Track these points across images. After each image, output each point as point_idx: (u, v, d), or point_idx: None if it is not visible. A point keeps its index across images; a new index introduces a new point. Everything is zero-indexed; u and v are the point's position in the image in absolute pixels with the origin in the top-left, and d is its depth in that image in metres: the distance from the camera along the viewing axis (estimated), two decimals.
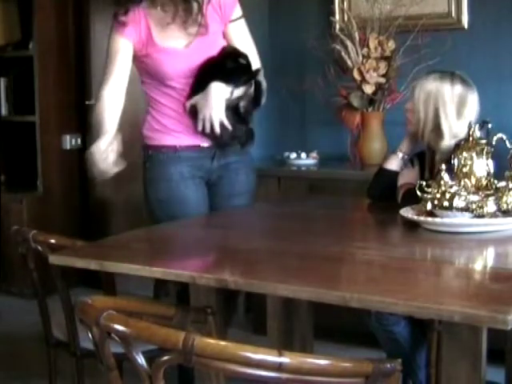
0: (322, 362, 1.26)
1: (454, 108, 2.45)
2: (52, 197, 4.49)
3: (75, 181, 4.64)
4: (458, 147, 2.23)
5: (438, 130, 2.45)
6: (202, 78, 2.53)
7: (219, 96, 2.50)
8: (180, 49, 2.57)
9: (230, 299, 2.48)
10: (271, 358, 1.23)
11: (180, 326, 1.39)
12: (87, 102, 4.57)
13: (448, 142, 2.42)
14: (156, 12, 2.56)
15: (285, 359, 1.22)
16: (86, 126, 4.62)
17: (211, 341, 1.26)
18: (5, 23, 4.55)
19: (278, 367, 1.22)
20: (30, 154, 4.45)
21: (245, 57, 2.58)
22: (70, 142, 4.56)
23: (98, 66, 4.55)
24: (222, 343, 1.26)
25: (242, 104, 2.58)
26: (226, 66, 2.54)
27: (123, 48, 2.58)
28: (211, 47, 2.59)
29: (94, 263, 1.95)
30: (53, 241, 2.23)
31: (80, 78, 4.60)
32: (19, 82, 4.54)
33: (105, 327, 1.30)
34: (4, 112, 4.58)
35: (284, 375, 1.22)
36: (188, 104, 2.55)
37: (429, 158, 2.66)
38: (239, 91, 2.58)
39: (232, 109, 2.54)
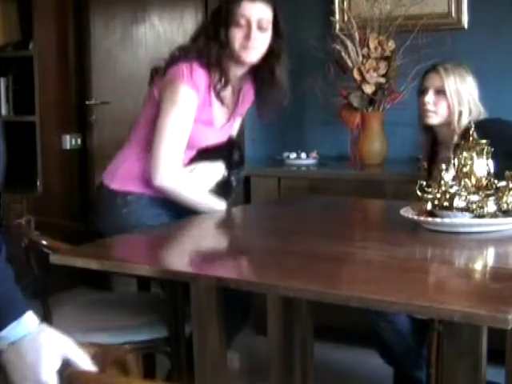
0: None
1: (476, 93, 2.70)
2: (52, 197, 4.48)
3: (75, 181, 4.63)
4: (458, 147, 2.23)
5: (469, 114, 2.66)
6: (205, 155, 2.54)
7: (216, 175, 2.55)
8: (217, 127, 2.55)
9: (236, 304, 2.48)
10: None
11: (102, 365, 1.39)
12: (87, 102, 4.58)
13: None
14: (215, 79, 2.47)
15: None
16: (85, 126, 4.62)
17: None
18: (5, 23, 4.55)
19: None
20: (29, 154, 4.45)
21: (242, 149, 2.72)
22: (70, 141, 4.56)
23: (98, 65, 4.56)
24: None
25: (232, 178, 2.64)
26: (233, 157, 2.62)
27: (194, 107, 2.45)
28: (230, 132, 2.64)
29: (94, 263, 1.95)
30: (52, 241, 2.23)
31: (80, 78, 4.60)
32: (19, 82, 4.53)
33: None
34: (4, 112, 4.57)
35: None
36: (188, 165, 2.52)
37: (432, 151, 2.73)
38: (236, 176, 2.65)
39: (223, 182, 2.60)
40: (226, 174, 2.58)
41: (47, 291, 2.35)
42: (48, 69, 4.44)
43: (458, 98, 2.65)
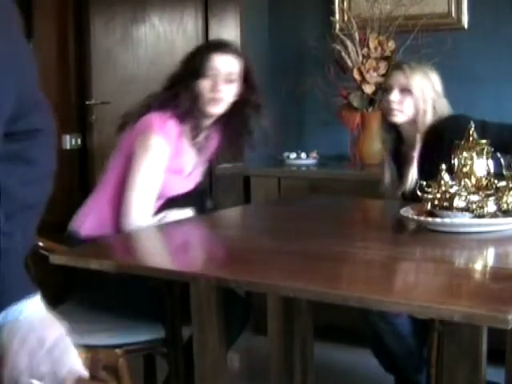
0: None
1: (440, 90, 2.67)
2: (52, 197, 4.48)
3: (75, 181, 4.63)
4: (458, 147, 2.23)
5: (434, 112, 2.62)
6: (174, 203, 2.53)
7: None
8: (184, 175, 2.55)
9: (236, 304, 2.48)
10: None
11: (93, 370, 1.39)
12: (87, 102, 4.58)
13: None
14: (186, 128, 2.50)
15: None
16: (85, 126, 4.62)
17: None
18: None
19: None
20: None
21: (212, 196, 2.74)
22: (70, 141, 4.56)
23: (98, 65, 4.56)
24: None
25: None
26: (205, 205, 2.66)
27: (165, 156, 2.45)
28: (197, 179, 2.62)
29: (94, 263, 1.95)
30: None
31: (80, 78, 4.60)
32: None
33: None
34: None
35: None
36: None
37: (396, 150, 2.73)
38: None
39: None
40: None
41: (45, 292, 2.34)
42: (48, 69, 4.44)
43: (423, 96, 2.62)
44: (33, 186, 1.32)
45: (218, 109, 2.51)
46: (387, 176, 2.74)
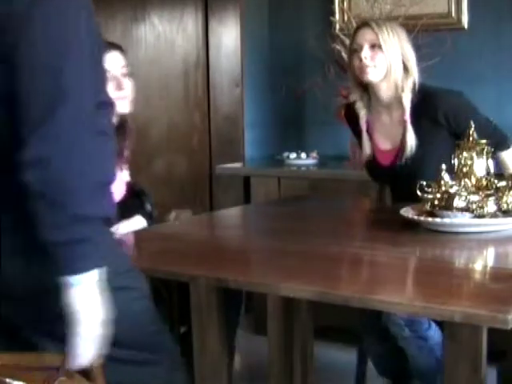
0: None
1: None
2: None
3: None
4: (458, 147, 2.23)
5: (405, 70, 2.59)
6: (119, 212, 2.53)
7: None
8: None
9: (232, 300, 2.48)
10: None
11: (68, 375, 1.39)
12: None
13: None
14: None
15: None
16: None
17: None
18: None
19: None
20: None
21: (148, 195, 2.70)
22: None
23: None
24: None
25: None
26: (146, 208, 2.60)
27: None
28: (124, 180, 2.59)
29: None
30: None
31: None
32: None
33: None
34: None
35: None
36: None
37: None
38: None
39: None
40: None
41: None
42: None
43: (392, 51, 2.57)
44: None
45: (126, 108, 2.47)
46: (367, 146, 2.70)
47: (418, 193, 2.19)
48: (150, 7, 4.36)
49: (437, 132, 2.55)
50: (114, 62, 2.44)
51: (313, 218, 2.54)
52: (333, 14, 3.89)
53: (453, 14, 3.67)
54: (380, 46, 2.56)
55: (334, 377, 3.01)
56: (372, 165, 2.71)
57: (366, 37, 2.58)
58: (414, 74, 2.59)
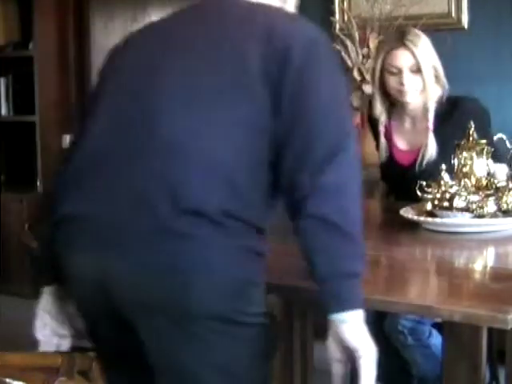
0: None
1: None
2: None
3: None
4: (458, 147, 2.23)
5: (436, 82, 2.57)
6: None
7: None
8: None
9: None
10: None
11: (68, 375, 1.39)
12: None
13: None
14: None
15: None
16: None
17: None
18: (5, 23, 4.55)
19: None
20: (29, 154, 4.45)
21: None
22: (70, 141, 4.55)
23: (98, 65, 4.55)
24: None
25: None
26: None
27: None
28: None
29: None
30: None
31: (80, 78, 4.60)
32: (19, 82, 4.53)
33: None
34: (4, 112, 4.58)
35: None
36: None
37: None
38: None
39: None
40: None
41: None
42: (48, 69, 4.44)
43: (430, 70, 2.55)
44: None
45: None
46: (383, 150, 2.68)
47: (418, 193, 2.19)
48: (150, 8, 4.37)
49: (458, 139, 2.54)
50: None
51: None
52: (333, 14, 3.89)
53: (453, 14, 3.67)
54: (418, 69, 2.53)
55: None
56: (388, 164, 2.70)
57: (404, 60, 2.54)
58: (445, 86, 2.58)
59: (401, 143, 2.67)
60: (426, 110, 2.57)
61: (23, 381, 1.32)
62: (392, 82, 2.57)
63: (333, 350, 1.42)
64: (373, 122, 2.76)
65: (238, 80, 1.39)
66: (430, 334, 2.41)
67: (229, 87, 1.39)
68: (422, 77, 2.53)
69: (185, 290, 1.33)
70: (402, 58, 2.54)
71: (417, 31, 2.65)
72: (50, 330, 1.56)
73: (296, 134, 1.37)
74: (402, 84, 2.54)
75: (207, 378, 1.38)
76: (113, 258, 1.35)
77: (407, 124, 2.67)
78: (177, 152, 1.35)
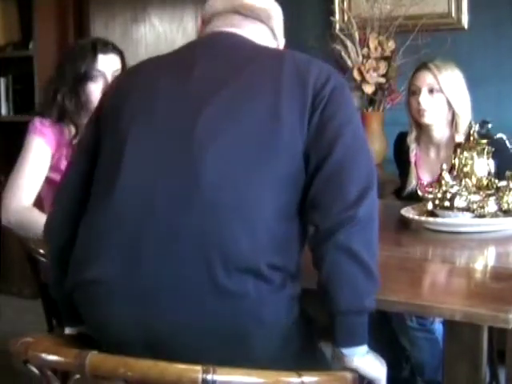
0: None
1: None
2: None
3: None
4: (459, 147, 2.23)
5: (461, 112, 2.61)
6: None
7: None
8: None
9: None
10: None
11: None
12: None
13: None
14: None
15: None
16: None
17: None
18: (5, 23, 4.55)
19: None
20: None
21: None
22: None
23: None
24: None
25: None
26: None
27: None
28: None
29: None
30: None
31: None
32: (19, 82, 4.53)
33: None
34: (4, 112, 4.57)
35: None
36: None
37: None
38: None
39: None
40: None
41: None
42: (48, 69, 4.43)
43: (455, 94, 2.60)
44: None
45: None
46: (413, 178, 2.71)
47: (419, 192, 2.19)
48: (150, 8, 4.37)
49: None
50: (108, 64, 2.45)
51: None
52: (333, 14, 3.89)
53: (453, 14, 3.67)
54: (438, 90, 2.59)
55: None
56: (410, 195, 2.69)
57: (424, 80, 2.62)
58: (469, 117, 2.60)
59: (424, 174, 2.71)
60: (451, 139, 2.60)
61: (57, 355, 1.32)
62: (413, 102, 2.66)
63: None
64: (401, 148, 2.78)
65: (278, 134, 1.40)
66: (434, 319, 2.44)
67: (268, 140, 1.39)
68: (441, 99, 2.59)
69: (242, 343, 1.37)
70: (421, 78, 2.63)
71: (449, 63, 2.70)
72: None
73: (328, 166, 1.40)
74: (418, 103, 2.61)
75: None
76: (156, 316, 1.35)
77: (431, 153, 2.71)
78: (221, 208, 1.35)
